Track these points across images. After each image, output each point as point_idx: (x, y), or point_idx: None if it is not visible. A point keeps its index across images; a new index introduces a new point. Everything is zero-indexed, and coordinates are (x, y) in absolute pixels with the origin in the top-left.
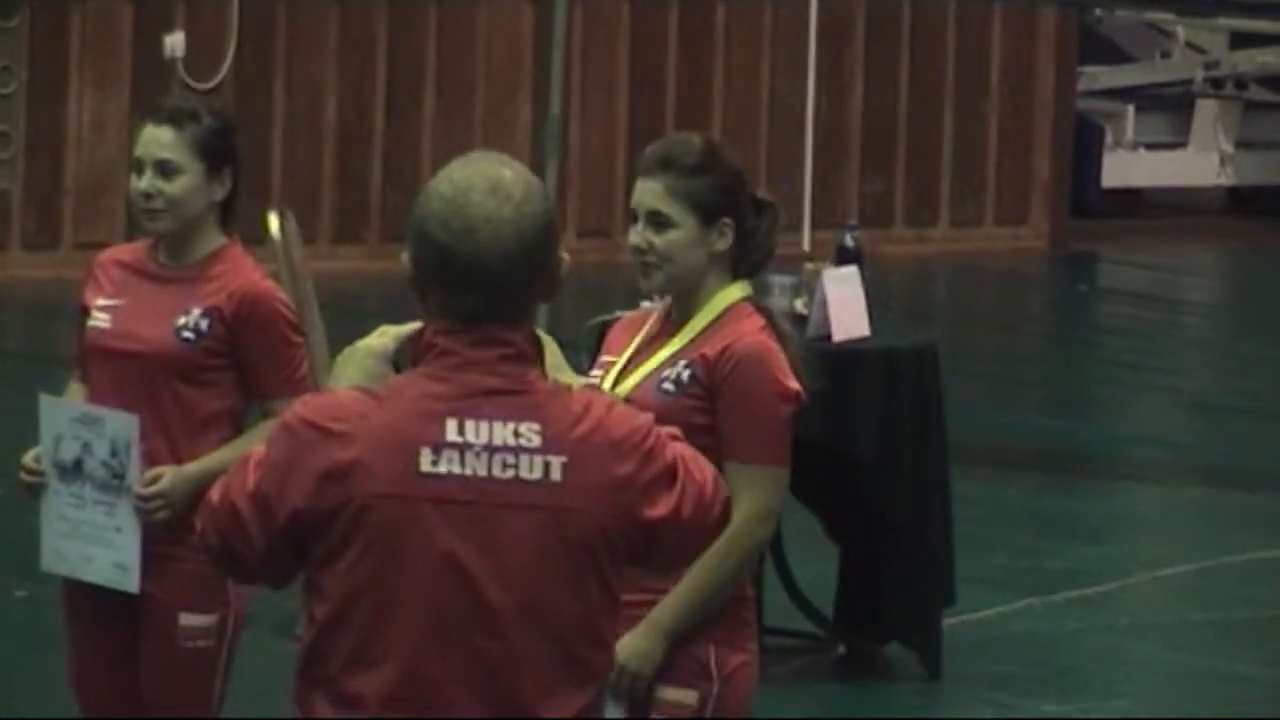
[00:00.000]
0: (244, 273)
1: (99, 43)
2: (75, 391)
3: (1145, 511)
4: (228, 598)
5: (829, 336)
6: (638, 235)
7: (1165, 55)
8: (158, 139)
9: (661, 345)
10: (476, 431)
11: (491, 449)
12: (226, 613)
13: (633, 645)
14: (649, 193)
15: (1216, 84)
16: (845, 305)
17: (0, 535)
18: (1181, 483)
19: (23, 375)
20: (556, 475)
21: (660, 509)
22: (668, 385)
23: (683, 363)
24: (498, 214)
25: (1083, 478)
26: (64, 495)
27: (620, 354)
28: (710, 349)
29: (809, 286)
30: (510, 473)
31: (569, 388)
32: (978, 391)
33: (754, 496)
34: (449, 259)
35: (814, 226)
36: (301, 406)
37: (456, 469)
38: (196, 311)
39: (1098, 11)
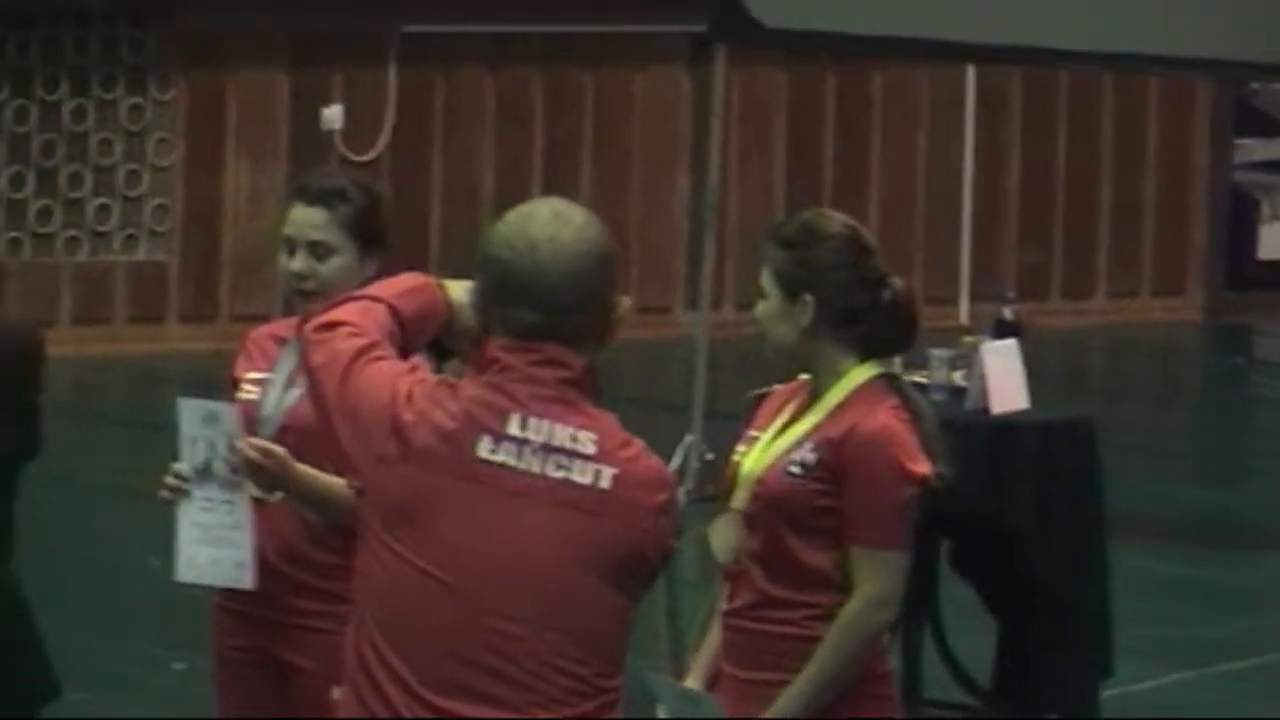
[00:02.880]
0: None
1: (256, 115)
2: None
3: None
4: None
5: (987, 409)
6: (757, 306)
7: None
8: (310, 219)
9: (796, 422)
10: (538, 429)
11: (549, 448)
12: None
13: None
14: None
15: None
16: (1004, 378)
17: (158, 606)
18: None
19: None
20: (605, 484)
21: (672, 543)
22: (794, 469)
23: (809, 445)
24: (558, 235)
25: (1238, 549)
26: (198, 501)
27: (764, 429)
28: (836, 431)
29: (967, 359)
30: (562, 473)
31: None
32: (1133, 463)
33: (875, 581)
34: (510, 274)
35: (971, 298)
36: (414, 377)
37: (512, 460)
38: None
39: (1253, 85)
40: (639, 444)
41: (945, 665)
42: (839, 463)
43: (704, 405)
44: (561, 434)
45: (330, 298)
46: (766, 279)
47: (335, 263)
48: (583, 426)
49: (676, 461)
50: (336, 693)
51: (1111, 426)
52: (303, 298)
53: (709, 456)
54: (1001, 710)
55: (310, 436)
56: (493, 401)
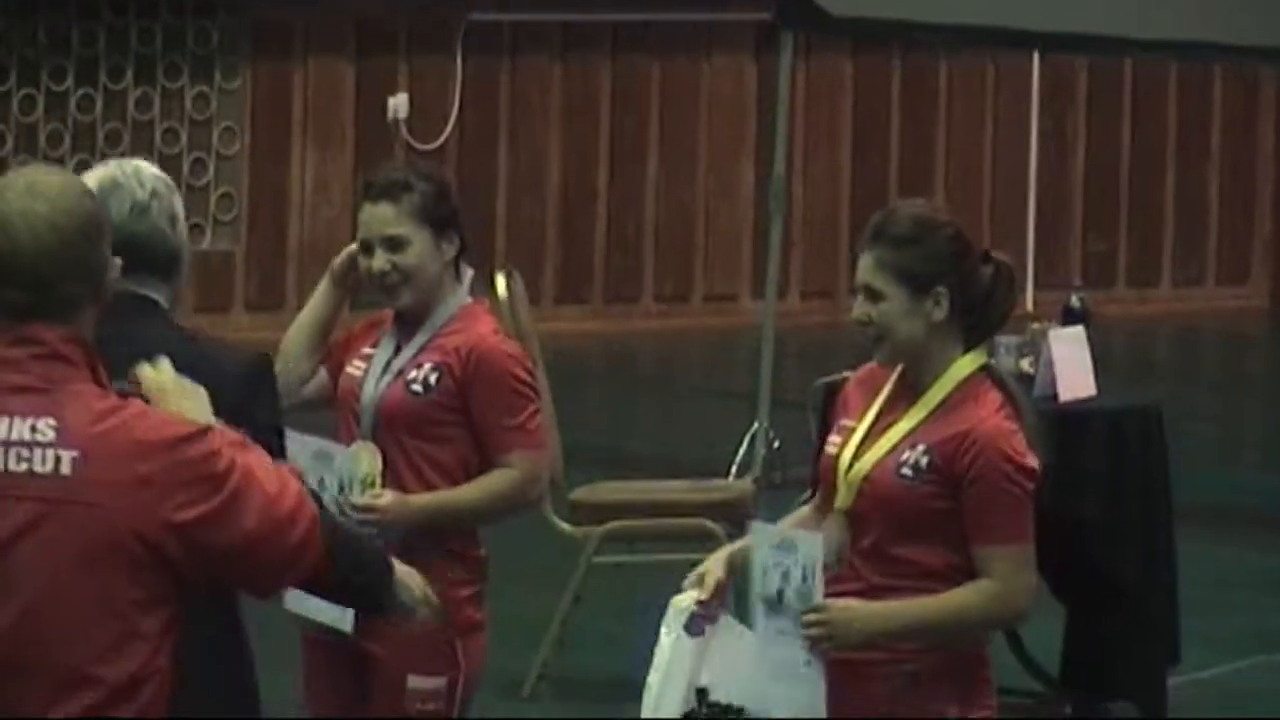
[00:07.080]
0: (475, 329)
1: (321, 104)
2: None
3: None
4: (457, 660)
5: (1055, 396)
6: (859, 309)
7: None
8: (379, 216)
9: (899, 416)
10: None
11: (8, 444)
12: (456, 675)
13: (850, 610)
14: (863, 266)
15: None
16: (1071, 365)
17: None
18: None
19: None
20: (66, 469)
21: (191, 513)
22: (906, 471)
23: (921, 447)
24: (31, 209)
25: None
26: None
27: (858, 418)
28: (947, 433)
29: (1034, 346)
30: (24, 466)
31: (101, 390)
32: (1199, 450)
33: (1009, 576)
34: None
35: (1036, 286)
36: None
37: None
38: (426, 366)
39: None
40: (124, 413)
41: (1013, 652)
42: (955, 468)
43: (770, 393)
44: (20, 427)
45: (416, 288)
46: (882, 280)
47: (412, 252)
48: (42, 413)
49: (743, 450)
50: (412, 681)
51: (1178, 414)
52: (389, 293)
53: (775, 444)
54: (1070, 697)
55: (399, 419)
56: None
